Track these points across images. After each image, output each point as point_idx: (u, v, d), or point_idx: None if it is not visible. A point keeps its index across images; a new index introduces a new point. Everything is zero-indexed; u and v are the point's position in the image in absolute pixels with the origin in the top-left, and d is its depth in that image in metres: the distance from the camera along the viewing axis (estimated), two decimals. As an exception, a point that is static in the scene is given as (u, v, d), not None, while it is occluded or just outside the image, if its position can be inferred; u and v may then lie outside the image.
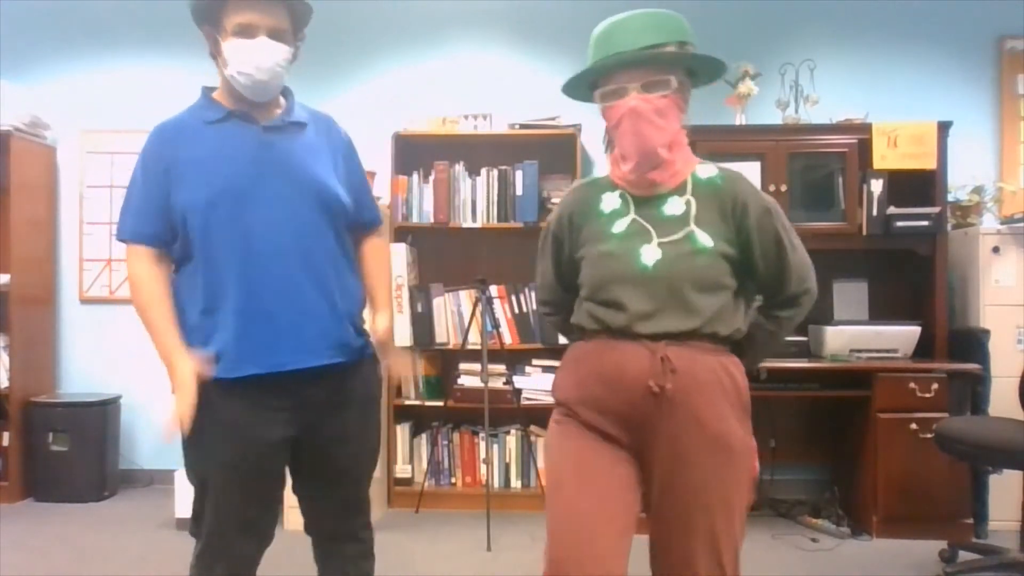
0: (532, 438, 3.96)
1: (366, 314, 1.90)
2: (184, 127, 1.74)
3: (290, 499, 3.42)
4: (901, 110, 3.89)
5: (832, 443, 3.93)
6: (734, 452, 1.50)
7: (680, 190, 1.56)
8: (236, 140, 1.70)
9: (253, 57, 1.66)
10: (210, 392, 1.65)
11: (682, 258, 1.51)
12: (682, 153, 1.58)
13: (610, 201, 1.61)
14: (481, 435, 3.94)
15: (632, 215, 1.57)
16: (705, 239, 1.51)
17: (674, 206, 1.55)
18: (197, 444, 1.70)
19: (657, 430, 1.50)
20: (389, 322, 1.92)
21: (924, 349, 3.62)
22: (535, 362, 3.99)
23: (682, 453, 1.49)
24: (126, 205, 1.77)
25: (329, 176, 1.76)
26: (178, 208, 1.67)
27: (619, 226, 1.57)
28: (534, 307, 3.98)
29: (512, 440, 3.99)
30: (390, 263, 2.03)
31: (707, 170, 1.59)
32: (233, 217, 1.65)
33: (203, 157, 1.68)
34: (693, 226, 1.52)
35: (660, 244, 1.52)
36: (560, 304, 1.75)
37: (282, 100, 1.80)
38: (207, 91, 1.79)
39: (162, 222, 1.70)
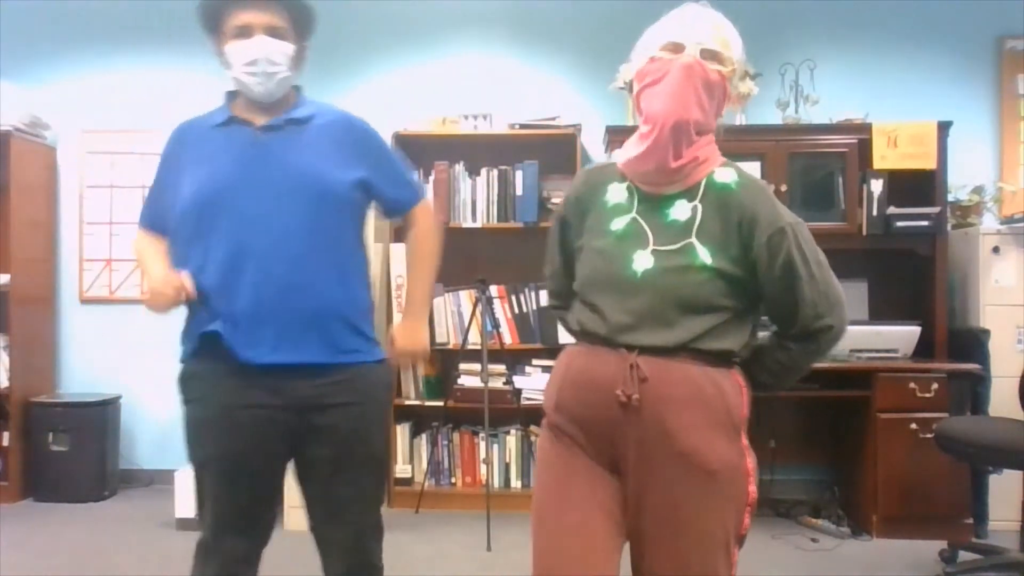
0: (532, 438, 3.96)
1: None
2: (194, 129, 1.81)
3: (290, 500, 3.40)
4: (901, 110, 3.89)
5: (832, 443, 3.93)
6: (713, 474, 1.36)
7: (691, 193, 1.41)
8: (231, 142, 1.74)
9: (250, 54, 1.71)
10: (199, 382, 1.72)
11: (673, 272, 1.37)
12: (704, 147, 1.41)
13: (616, 193, 1.48)
14: (481, 435, 3.94)
15: (633, 213, 1.43)
16: (705, 255, 1.37)
17: (680, 210, 1.40)
18: (190, 434, 1.75)
19: (625, 443, 1.38)
20: (409, 331, 1.90)
21: (924, 349, 3.61)
22: (535, 362, 3.99)
23: (651, 470, 1.37)
24: (146, 195, 1.90)
25: (328, 169, 1.75)
26: (174, 206, 1.75)
27: (618, 223, 1.44)
28: (534, 307, 3.98)
29: (512, 440, 3.99)
30: (430, 257, 1.93)
31: (726, 174, 1.42)
32: (215, 216, 1.68)
33: (200, 159, 1.74)
34: (694, 238, 1.38)
35: (654, 251, 1.39)
36: (568, 296, 1.58)
37: (295, 99, 1.82)
38: (229, 96, 1.83)
39: (163, 218, 1.80)
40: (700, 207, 1.40)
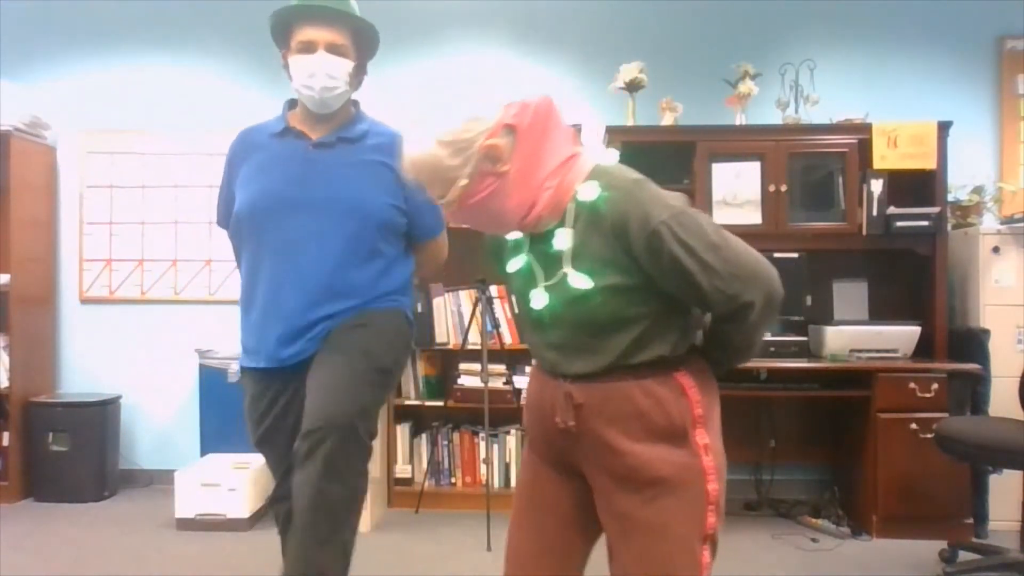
0: (532, 438, 3.96)
1: None
2: (254, 135, 1.94)
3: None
4: (901, 110, 3.89)
5: (832, 443, 3.93)
6: (664, 480, 1.35)
7: (565, 220, 1.37)
8: (285, 154, 1.87)
9: (310, 68, 1.82)
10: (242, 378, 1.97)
11: (566, 304, 1.37)
12: (547, 190, 1.36)
13: (514, 232, 1.48)
14: (481, 435, 3.94)
15: (525, 252, 1.45)
16: (582, 281, 1.34)
17: (560, 239, 1.37)
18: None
19: (580, 464, 1.46)
20: None
21: (924, 349, 3.62)
22: (535, 362, 3.98)
23: (603, 484, 1.42)
24: (217, 198, 2.04)
25: (371, 192, 1.86)
26: (234, 209, 1.90)
27: (514, 264, 1.48)
28: (534, 307, 3.98)
29: (512, 440, 3.99)
30: (432, 260, 2.14)
31: (590, 190, 1.34)
32: (261, 230, 1.83)
33: (257, 167, 1.88)
34: (568, 267, 1.35)
35: (546, 287, 1.40)
36: None
37: (351, 115, 1.94)
38: (289, 104, 1.95)
39: (230, 215, 1.96)
40: (573, 232, 1.36)
